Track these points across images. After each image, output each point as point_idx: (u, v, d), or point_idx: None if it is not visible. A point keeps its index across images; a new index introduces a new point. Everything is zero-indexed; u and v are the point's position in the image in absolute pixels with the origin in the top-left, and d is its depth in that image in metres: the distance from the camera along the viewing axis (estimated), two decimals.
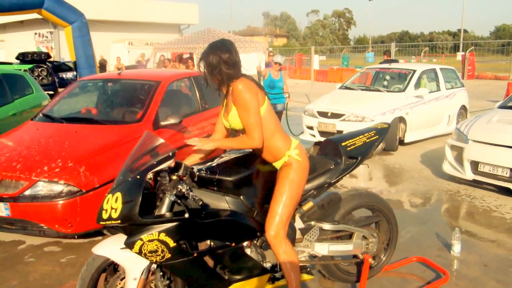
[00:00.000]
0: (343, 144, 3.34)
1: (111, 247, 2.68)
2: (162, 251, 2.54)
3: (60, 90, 13.06)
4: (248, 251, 2.98)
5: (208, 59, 2.85)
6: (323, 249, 3.28)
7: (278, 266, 3.07)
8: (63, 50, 26.77)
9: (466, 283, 3.78)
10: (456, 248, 4.23)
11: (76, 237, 4.41)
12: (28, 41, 32.39)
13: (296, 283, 2.92)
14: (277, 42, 78.69)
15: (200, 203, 2.55)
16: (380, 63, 12.85)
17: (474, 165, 6.10)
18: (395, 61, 13.38)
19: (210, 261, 2.90)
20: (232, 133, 3.10)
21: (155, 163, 2.60)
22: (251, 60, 18.16)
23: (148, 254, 2.54)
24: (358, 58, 42.07)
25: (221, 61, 2.82)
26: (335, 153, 3.33)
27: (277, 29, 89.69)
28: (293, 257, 2.91)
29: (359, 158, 3.33)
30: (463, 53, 29.01)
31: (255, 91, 2.82)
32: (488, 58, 37.55)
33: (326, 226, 3.29)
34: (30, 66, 14.50)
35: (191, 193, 2.55)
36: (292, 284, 2.92)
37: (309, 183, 3.14)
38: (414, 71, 9.36)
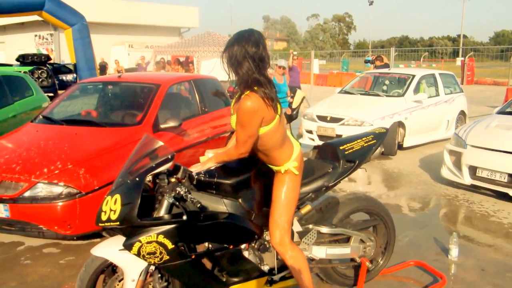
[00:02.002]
0: (341, 148, 3.36)
1: (109, 249, 2.69)
2: (161, 253, 2.55)
3: (60, 92, 13.08)
4: (246, 253, 2.99)
5: (232, 50, 2.58)
6: (320, 252, 3.30)
7: (275, 269, 3.09)
8: (63, 52, 26.74)
9: (463, 287, 3.79)
10: (454, 252, 4.25)
11: (75, 238, 4.43)
12: (28, 43, 32.37)
13: (306, 285, 2.93)
14: (277, 46, 78.83)
15: (198, 205, 2.58)
16: (379, 67, 12.87)
17: (472, 170, 6.12)
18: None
19: (208, 264, 2.92)
20: None
21: (154, 165, 2.62)
22: None
23: (146, 256, 2.55)
24: (358, 62, 42.08)
25: (247, 55, 2.55)
26: (333, 157, 3.35)
27: (277, 33, 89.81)
28: (300, 260, 2.93)
29: (357, 162, 3.35)
30: (463, 58, 29.08)
31: (260, 114, 2.59)
32: (487, 63, 37.57)
33: (324, 229, 3.30)
34: (30, 68, 14.48)
35: (189, 195, 2.57)
36: (303, 286, 2.94)
37: (307, 186, 3.17)
38: (413, 76, 9.39)
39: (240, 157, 2.79)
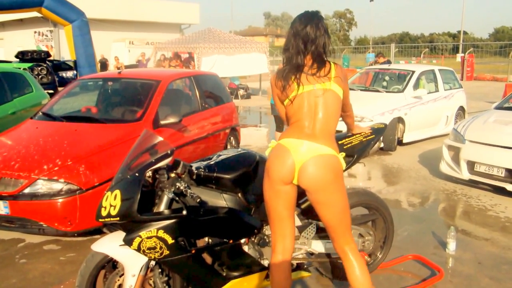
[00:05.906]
0: (340, 142, 3.38)
1: (110, 244, 2.71)
2: (161, 247, 2.57)
3: (60, 89, 13.09)
4: (245, 248, 3.02)
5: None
6: (320, 246, 3.32)
7: None
8: (63, 49, 26.72)
9: (460, 280, 3.82)
10: (451, 246, 4.28)
11: (75, 235, 4.44)
12: (27, 39, 32.35)
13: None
14: (278, 42, 78.44)
15: (198, 200, 2.59)
16: (381, 63, 12.88)
17: (471, 165, 6.14)
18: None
19: (208, 258, 2.94)
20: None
21: (153, 160, 2.64)
22: (253, 60, 17.98)
23: (146, 251, 2.57)
24: (359, 58, 42.06)
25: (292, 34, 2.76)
26: None
27: (278, 29, 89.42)
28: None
29: (356, 156, 3.38)
30: (463, 54, 29.05)
31: (272, 88, 2.82)
32: (487, 59, 37.57)
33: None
34: (29, 64, 14.47)
35: (189, 190, 2.59)
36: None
37: None
38: (413, 72, 9.40)
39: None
